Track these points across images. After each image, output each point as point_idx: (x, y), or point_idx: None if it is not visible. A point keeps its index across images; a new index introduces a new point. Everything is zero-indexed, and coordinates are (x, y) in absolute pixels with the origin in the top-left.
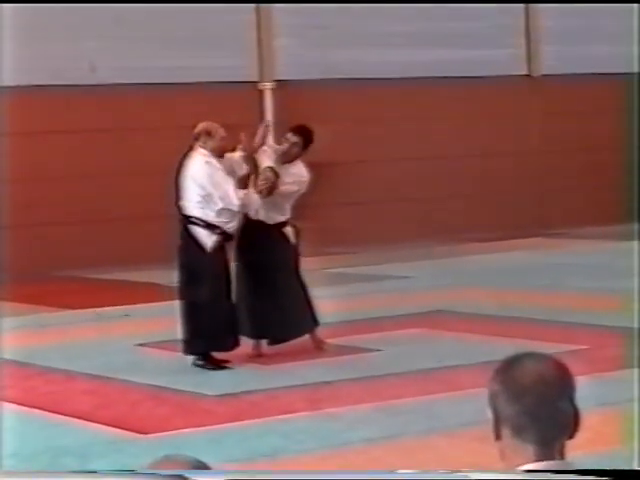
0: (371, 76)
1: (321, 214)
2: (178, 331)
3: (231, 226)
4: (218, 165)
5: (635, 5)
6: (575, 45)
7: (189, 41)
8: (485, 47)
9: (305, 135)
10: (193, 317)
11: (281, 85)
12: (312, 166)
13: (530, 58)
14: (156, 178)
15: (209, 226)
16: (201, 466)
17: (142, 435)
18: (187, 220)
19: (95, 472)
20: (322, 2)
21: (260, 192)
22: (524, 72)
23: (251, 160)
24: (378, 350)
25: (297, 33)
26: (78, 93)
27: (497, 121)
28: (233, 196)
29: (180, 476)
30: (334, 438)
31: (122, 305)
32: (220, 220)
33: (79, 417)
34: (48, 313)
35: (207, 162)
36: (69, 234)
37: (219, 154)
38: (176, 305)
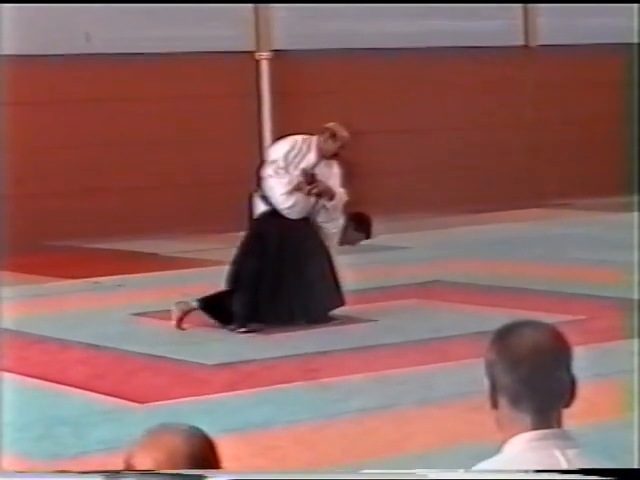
0: (367, 46)
1: None
2: (173, 300)
3: None
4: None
5: None
6: (572, 16)
7: (186, 11)
8: (482, 18)
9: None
10: None
11: (278, 55)
12: None
13: (527, 29)
14: (151, 148)
15: None
16: (198, 434)
17: (137, 404)
18: None
19: (95, 472)
20: None
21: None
22: (520, 43)
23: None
24: (373, 320)
25: (294, 3)
26: (73, 63)
27: (493, 92)
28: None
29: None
30: (328, 408)
31: (118, 275)
32: None
33: (74, 386)
34: (43, 283)
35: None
36: (65, 204)
37: (328, 157)
38: (172, 275)
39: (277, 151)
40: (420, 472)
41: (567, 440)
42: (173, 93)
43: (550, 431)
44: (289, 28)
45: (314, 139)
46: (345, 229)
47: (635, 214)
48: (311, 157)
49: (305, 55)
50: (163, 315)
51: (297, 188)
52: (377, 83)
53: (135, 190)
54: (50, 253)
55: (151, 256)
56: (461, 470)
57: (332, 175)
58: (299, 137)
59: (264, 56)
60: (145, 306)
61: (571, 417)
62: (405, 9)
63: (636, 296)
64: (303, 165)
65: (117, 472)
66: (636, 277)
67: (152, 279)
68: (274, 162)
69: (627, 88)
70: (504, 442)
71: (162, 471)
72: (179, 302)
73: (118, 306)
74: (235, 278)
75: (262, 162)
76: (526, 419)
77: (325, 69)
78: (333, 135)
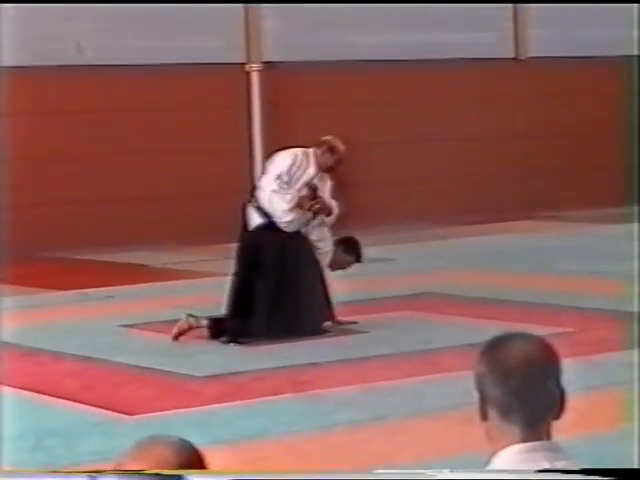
0: (358, 58)
1: None
2: (163, 312)
3: None
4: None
5: None
6: (562, 28)
7: (177, 22)
8: (472, 30)
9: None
10: None
11: (268, 67)
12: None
13: (517, 41)
14: (142, 159)
15: None
16: (188, 447)
17: (127, 416)
18: None
19: (80, 472)
20: None
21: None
22: (511, 55)
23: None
24: (364, 332)
25: (285, 14)
26: (64, 74)
27: (484, 104)
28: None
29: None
30: (320, 420)
31: (108, 286)
32: None
33: (65, 398)
34: (33, 294)
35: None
36: (54, 215)
37: (325, 170)
38: (161, 286)
39: (281, 165)
40: (429, 472)
41: (556, 452)
42: (164, 104)
43: (540, 443)
44: (280, 40)
45: (311, 152)
46: (335, 253)
47: (626, 226)
48: (310, 171)
49: (296, 67)
50: (153, 327)
51: (299, 204)
52: (368, 95)
53: (125, 201)
54: (40, 264)
55: (141, 267)
56: (468, 470)
57: (325, 189)
58: (298, 151)
59: (255, 68)
60: (135, 318)
61: (562, 429)
62: (396, 21)
63: (629, 308)
64: (304, 179)
65: (99, 472)
66: (631, 289)
67: (142, 291)
68: (279, 177)
69: (618, 99)
70: (493, 454)
71: (144, 471)
72: (190, 315)
73: (107, 317)
74: (240, 292)
75: (263, 174)
76: (515, 431)
77: (316, 81)
78: (331, 149)
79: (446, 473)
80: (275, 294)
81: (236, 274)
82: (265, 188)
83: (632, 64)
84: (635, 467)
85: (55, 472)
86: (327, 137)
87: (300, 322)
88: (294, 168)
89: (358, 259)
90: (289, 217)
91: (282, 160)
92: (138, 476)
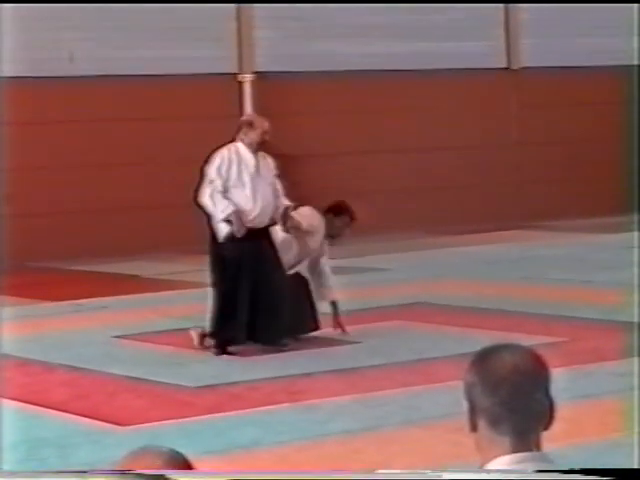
0: (350, 68)
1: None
2: (156, 322)
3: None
4: (243, 157)
5: None
6: (554, 38)
7: (169, 32)
8: (464, 39)
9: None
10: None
11: (260, 77)
12: (290, 159)
13: (509, 51)
14: (134, 169)
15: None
16: (179, 458)
17: (119, 426)
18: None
19: (68, 472)
20: None
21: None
22: (503, 65)
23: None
24: (357, 342)
25: (277, 25)
26: (57, 84)
27: (476, 113)
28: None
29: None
30: (313, 429)
31: (100, 297)
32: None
33: (56, 408)
34: (26, 305)
35: (228, 151)
36: (47, 225)
37: (257, 148)
38: (154, 296)
39: (211, 169)
40: (432, 474)
41: (546, 463)
42: (157, 114)
43: (530, 454)
44: (272, 50)
45: (236, 141)
46: (327, 223)
47: (619, 235)
48: (248, 159)
49: (288, 77)
50: (145, 337)
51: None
52: (360, 104)
53: (119, 210)
54: (32, 274)
55: (133, 278)
56: (472, 470)
57: (269, 170)
58: (224, 148)
59: (247, 78)
60: (127, 328)
61: (554, 438)
62: (388, 31)
63: (620, 317)
64: (246, 172)
65: (85, 472)
66: (623, 298)
67: (134, 301)
68: (211, 182)
69: (612, 108)
70: (483, 465)
71: (129, 470)
72: (196, 326)
73: (100, 328)
74: (225, 302)
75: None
76: (505, 442)
77: (308, 91)
78: (249, 124)
79: (449, 473)
80: (247, 300)
81: (213, 285)
82: (203, 195)
83: (626, 73)
84: (635, 467)
85: (45, 472)
86: (243, 117)
87: (258, 329)
88: (224, 167)
89: (352, 218)
90: (224, 232)
91: (211, 165)
92: (122, 475)
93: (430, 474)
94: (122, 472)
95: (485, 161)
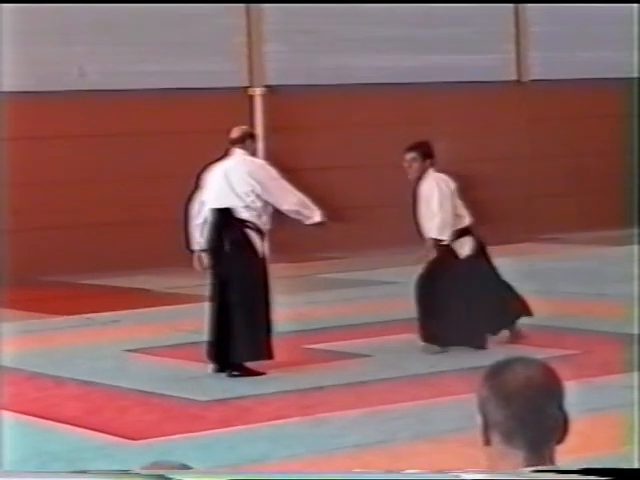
0: (361, 82)
1: None
2: (167, 336)
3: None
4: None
5: (623, 11)
6: (564, 51)
7: (179, 46)
8: (474, 52)
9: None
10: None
11: (271, 91)
12: (300, 172)
13: (519, 64)
14: (144, 184)
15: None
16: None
17: (131, 441)
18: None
19: (65, 472)
20: (310, 2)
21: None
22: (513, 78)
23: None
24: (368, 356)
25: (287, 39)
26: (67, 99)
27: (486, 126)
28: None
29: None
30: (324, 443)
31: (112, 311)
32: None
33: (68, 423)
34: (37, 319)
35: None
36: (58, 239)
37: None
38: (166, 310)
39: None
40: (450, 474)
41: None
42: (166, 128)
43: (543, 468)
44: (282, 64)
45: (246, 159)
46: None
47: (630, 247)
48: (261, 176)
49: (298, 91)
50: (156, 351)
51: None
52: (371, 118)
53: (130, 224)
54: (43, 288)
55: (144, 292)
56: (489, 471)
57: (271, 180)
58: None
59: (257, 92)
60: (138, 342)
61: (566, 451)
62: (399, 44)
63: (631, 330)
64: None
65: (84, 472)
66: (634, 310)
67: (145, 315)
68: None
69: (620, 121)
70: None
71: (129, 470)
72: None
73: (111, 342)
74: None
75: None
76: (519, 455)
77: (318, 104)
78: (252, 136)
79: (467, 474)
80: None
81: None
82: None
83: (633, 86)
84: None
85: (45, 472)
86: (238, 129)
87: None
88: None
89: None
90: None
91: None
92: (121, 475)
93: (449, 475)
94: (122, 472)
95: (495, 174)
